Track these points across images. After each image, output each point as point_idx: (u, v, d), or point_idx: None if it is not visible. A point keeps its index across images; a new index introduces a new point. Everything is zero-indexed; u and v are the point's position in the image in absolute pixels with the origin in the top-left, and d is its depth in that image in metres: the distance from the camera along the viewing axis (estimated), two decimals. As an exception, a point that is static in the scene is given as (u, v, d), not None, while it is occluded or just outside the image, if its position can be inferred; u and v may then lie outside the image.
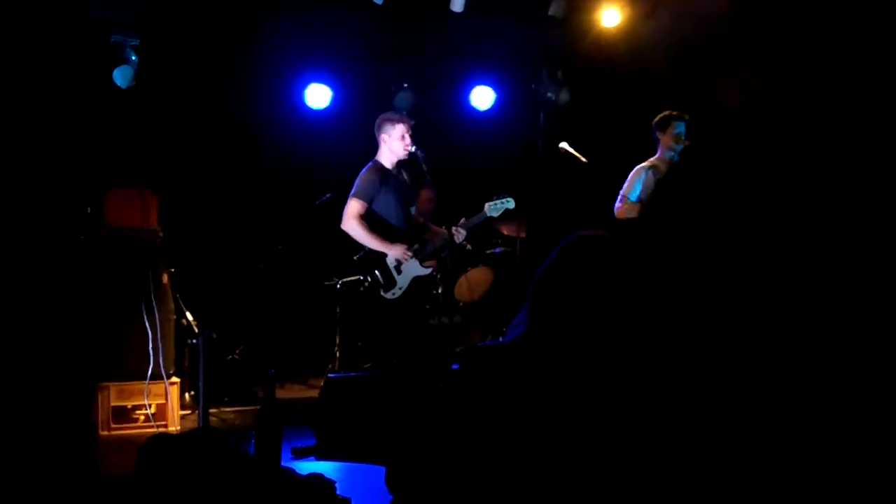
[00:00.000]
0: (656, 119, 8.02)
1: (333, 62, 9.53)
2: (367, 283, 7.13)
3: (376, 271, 7.11)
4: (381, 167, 7.24)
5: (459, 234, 7.24)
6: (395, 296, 7.15)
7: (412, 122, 7.27)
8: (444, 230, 7.28)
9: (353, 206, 7.10)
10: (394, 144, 7.21)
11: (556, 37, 9.95)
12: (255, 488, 2.59)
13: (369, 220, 7.09)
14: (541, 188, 9.12)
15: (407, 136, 7.19)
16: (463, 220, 7.26)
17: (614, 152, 8.75)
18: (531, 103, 10.24)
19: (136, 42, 8.17)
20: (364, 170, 7.22)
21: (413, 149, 7.21)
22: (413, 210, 7.45)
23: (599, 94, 10.33)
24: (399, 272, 7.13)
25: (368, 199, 7.10)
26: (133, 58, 8.26)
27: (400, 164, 7.31)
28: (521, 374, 2.63)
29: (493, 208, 7.29)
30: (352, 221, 7.08)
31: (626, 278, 2.76)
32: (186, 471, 2.51)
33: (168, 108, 8.87)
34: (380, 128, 7.27)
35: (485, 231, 9.45)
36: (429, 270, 7.25)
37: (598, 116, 10.09)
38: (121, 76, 8.16)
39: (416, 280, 7.21)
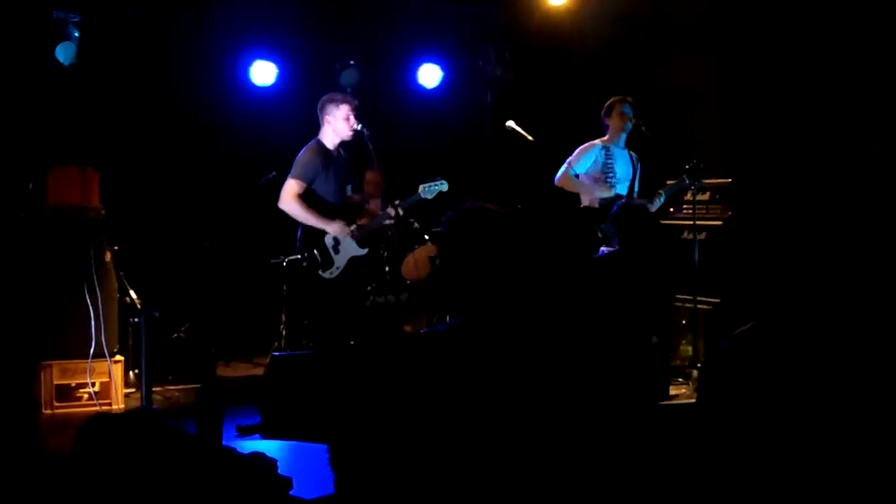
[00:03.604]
0: (603, 108, 8.07)
1: (279, 39, 9.46)
2: (305, 263, 7.15)
3: (315, 251, 7.12)
4: (322, 147, 7.20)
5: (399, 210, 7.31)
6: (333, 275, 7.17)
7: (356, 103, 7.26)
8: (385, 211, 7.34)
9: (292, 186, 7.07)
10: (338, 125, 7.18)
11: (503, 15, 9.95)
12: (192, 468, 2.59)
13: (308, 200, 7.08)
14: (488, 166, 9.13)
15: (352, 117, 7.16)
16: (398, 202, 7.32)
17: (561, 131, 8.79)
18: (478, 82, 10.23)
19: (78, 18, 8.05)
20: (304, 150, 7.19)
21: (359, 127, 7.21)
22: (349, 190, 7.45)
23: (546, 73, 10.35)
24: (336, 252, 7.16)
25: (308, 180, 7.08)
26: (76, 34, 8.13)
27: (341, 144, 7.30)
28: (456, 358, 2.64)
29: (426, 190, 7.42)
30: (290, 201, 7.06)
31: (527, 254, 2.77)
32: (123, 451, 2.50)
33: (110, 85, 8.76)
34: (323, 108, 7.22)
35: (432, 209, 9.44)
36: (365, 251, 7.31)
37: (545, 95, 10.12)
38: (63, 53, 8.04)
39: (353, 260, 7.25)
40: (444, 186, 7.44)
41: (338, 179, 7.22)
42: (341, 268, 7.19)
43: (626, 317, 6.67)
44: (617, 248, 6.99)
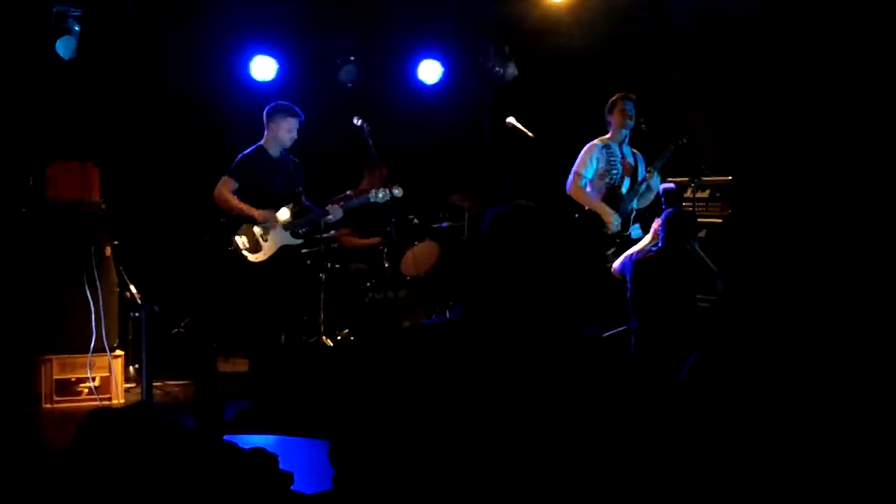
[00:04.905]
0: (606, 105, 8.03)
1: (279, 34, 9.45)
2: (231, 246, 7.44)
3: (243, 235, 7.45)
4: (263, 152, 7.57)
5: (335, 213, 7.65)
6: (260, 259, 7.45)
7: (303, 119, 7.58)
8: (327, 207, 7.70)
9: (226, 183, 7.46)
10: (282, 136, 7.54)
11: (503, 10, 9.94)
12: (193, 462, 2.59)
13: (242, 197, 7.43)
14: (488, 163, 9.13)
15: (295, 131, 7.53)
16: (343, 202, 7.75)
17: (561, 127, 8.77)
18: (479, 78, 10.22)
19: (78, 12, 8.03)
20: (248, 150, 7.55)
21: (359, 123, 7.38)
22: (300, 191, 7.73)
23: (547, 69, 10.33)
24: (265, 240, 7.46)
25: (241, 180, 7.44)
26: (76, 28, 8.11)
27: (286, 150, 7.65)
28: (460, 351, 2.64)
29: (376, 195, 7.68)
30: (220, 196, 7.44)
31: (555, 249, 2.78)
32: (123, 446, 2.51)
33: (110, 79, 8.75)
34: (270, 117, 7.57)
35: (432, 205, 9.44)
36: (299, 241, 7.62)
37: (545, 91, 10.10)
38: (63, 47, 8.01)
39: (285, 248, 7.53)
40: (398, 193, 7.71)
41: (280, 184, 7.56)
42: (269, 254, 7.46)
43: (667, 311, 6.64)
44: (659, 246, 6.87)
